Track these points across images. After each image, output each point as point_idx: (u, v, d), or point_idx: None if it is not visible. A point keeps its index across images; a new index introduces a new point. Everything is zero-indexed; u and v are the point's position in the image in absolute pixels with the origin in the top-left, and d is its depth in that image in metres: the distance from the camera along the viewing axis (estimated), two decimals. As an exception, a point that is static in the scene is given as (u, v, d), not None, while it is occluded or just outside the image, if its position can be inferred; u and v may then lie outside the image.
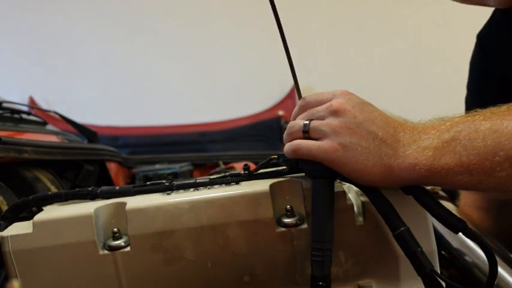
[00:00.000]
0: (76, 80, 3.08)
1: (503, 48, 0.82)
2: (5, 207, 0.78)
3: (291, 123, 0.56)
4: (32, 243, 0.55)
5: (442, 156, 0.48)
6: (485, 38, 0.87)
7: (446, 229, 0.51)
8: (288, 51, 0.58)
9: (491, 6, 0.76)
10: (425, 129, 0.51)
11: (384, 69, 3.02)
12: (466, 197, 0.95)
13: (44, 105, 2.89)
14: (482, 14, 0.85)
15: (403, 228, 0.50)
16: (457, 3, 0.74)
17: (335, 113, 0.52)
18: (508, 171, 0.46)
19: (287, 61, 0.58)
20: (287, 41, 0.57)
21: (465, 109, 0.91)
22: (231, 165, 1.67)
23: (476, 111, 0.50)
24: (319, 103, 0.55)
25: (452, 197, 1.00)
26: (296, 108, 0.58)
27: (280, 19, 0.56)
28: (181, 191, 0.60)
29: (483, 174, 0.47)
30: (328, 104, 0.54)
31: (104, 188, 0.63)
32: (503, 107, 0.50)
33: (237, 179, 0.61)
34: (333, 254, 0.52)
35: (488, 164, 0.46)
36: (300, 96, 0.60)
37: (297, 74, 0.59)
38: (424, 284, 0.49)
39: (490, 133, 0.47)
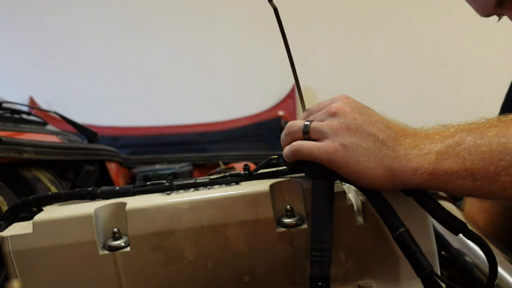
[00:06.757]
0: (76, 80, 3.08)
1: None
2: (5, 207, 0.78)
3: (290, 123, 0.56)
4: (32, 243, 0.55)
5: (445, 160, 0.47)
6: None
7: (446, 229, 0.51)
8: (292, 61, 0.58)
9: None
10: (427, 135, 0.51)
11: (384, 70, 3.02)
12: (470, 203, 0.94)
13: (44, 105, 2.89)
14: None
15: (402, 229, 0.50)
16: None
17: (334, 114, 0.52)
18: None
19: (290, 66, 0.58)
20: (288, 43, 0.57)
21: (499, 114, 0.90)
22: (231, 165, 1.67)
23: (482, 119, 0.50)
24: (319, 110, 0.55)
25: (453, 198, 0.99)
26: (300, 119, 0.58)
27: (281, 19, 0.56)
28: (181, 191, 0.60)
29: (487, 179, 0.46)
30: (327, 107, 0.54)
31: (104, 188, 0.63)
32: (510, 116, 0.49)
33: (237, 179, 0.61)
34: (333, 254, 0.52)
35: (493, 168, 0.46)
36: (303, 103, 0.60)
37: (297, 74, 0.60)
38: (424, 285, 0.49)
39: (496, 139, 0.46)
